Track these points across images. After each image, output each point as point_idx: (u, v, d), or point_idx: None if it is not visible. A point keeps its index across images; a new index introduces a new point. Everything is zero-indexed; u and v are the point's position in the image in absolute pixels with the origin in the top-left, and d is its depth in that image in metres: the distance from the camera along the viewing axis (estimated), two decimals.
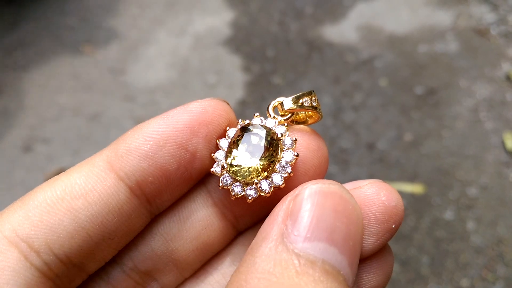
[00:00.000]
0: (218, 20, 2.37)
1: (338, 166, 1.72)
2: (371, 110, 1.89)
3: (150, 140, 0.34)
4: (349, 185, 0.36)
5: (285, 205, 0.31)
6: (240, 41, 2.26)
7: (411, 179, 1.67)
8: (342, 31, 2.25)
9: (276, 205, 0.32)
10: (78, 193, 0.33)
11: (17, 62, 2.21)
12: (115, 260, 0.37)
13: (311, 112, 0.38)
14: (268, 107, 0.38)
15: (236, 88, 2.03)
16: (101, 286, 0.37)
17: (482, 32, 2.15)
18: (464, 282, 1.43)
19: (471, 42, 2.12)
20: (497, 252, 1.48)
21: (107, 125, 1.94)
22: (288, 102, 0.36)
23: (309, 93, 0.36)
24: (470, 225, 1.54)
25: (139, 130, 0.35)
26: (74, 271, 0.34)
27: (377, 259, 0.35)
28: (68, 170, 0.34)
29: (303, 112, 0.39)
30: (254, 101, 1.97)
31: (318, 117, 0.38)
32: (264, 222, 0.32)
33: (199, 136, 0.35)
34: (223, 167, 0.36)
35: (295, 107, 0.36)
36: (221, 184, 0.36)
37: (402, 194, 1.62)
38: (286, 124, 0.37)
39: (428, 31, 2.19)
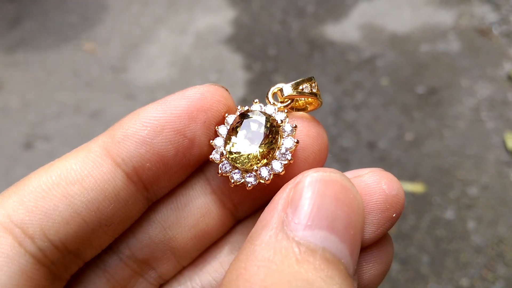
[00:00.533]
0: (220, 19, 2.37)
1: (338, 165, 1.72)
2: (372, 109, 1.89)
3: (148, 125, 0.34)
4: (349, 174, 0.35)
5: (286, 193, 0.30)
6: (242, 39, 2.26)
7: (412, 178, 1.67)
8: (344, 30, 2.25)
9: (277, 193, 0.31)
10: (73, 179, 0.32)
11: (18, 59, 2.22)
12: (112, 248, 0.37)
13: (311, 98, 0.37)
14: (267, 93, 0.37)
15: (238, 87, 2.03)
16: (98, 275, 0.37)
17: (484, 32, 2.14)
18: (464, 281, 1.42)
19: (473, 42, 2.11)
20: (497, 251, 1.47)
21: (108, 123, 1.94)
22: (287, 88, 0.36)
23: (309, 80, 0.36)
24: (471, 224, 1.54)
25: (136, 115, 0.34)
26: (69, 258, 0.33)
27: (377, 249, 0.35)
28: (63, 156, 0.34)
29: (303, 99, 0.38)
30: (255, 99, 1.97)
31: (318, 104, 0.38)
32: (264, 210, 0.31)
33: (198, 122, 0.35)
34: (222, 154, 0.36)
35: (294, 93, 0.36)
36: (220, 171, 0.36)
37: None
38: (286, 111, 0.36)
39: (430, 31, 2.18)
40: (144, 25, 2.36)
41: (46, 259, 0.31)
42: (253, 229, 0.31)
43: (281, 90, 0.36)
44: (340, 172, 0.32)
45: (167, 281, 0.39)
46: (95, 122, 1.95)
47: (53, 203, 0.31)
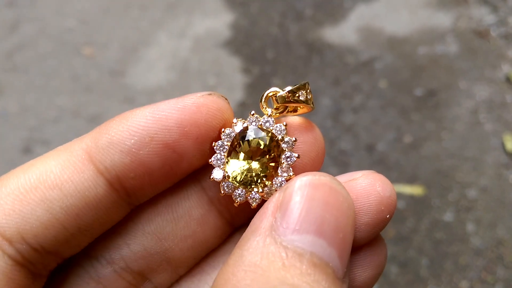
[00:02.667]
0: (218, 22, 2.37)
1: (337, 167, 1.72)
2: (371, 112, 1.89)
3: (135, 135, 0.32)
4: (343, 177, 0.35)
5: (275, 197, 0.31)
6: (240, 43, 2.26)
7: (411, 181, 1.67)
8: (342, 33, 2.25)
9: (268, 199, 0.32)
10: (53, 183, 0.31)
11: (17, 64, 2.22)
12: (107, 260, 0.36)
13: (304, 104, 0.37)
14: (261, 98, 0.36)
15: (236, 90, 2.03)
16: (92, 287, 0.36)
17: (482, 34, 2.14)
18: (464, 284, 1.42)
19: (471, 44, 2.12)
20: (496, 254, 1.47)
21: None
22: (283, 96, 0.35)
23: (303, 86, 0.35)
24: (470, 227, 1.54)
25: (124, 120, 0.33)
26: (49, 258, 0.32)
27: (371, 250, 0.35)
28: (45, 155, 0.32)
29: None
30: (253, 102, 1.97)
31: (310, 109, 0.37)
32: (255, 215, 0.31)
33: (189, 138, 0.33)
34: (224, 175, 0.34)
35: (290, 100, 0.35)
36: (222, 191, 0.35)
37: (401, 196, 1.62)
38: (285, 123, 0.36)
39: (428, 33, 2.19)
40: (142, 29, 2.36)
41: (25, 260, 0.31)
42: (243, 235, 0.31)
43: (275, 97, 0.36)
44: (331, 175, 0.32)
45: None
46: (94, 126, 1.91)
47: (31, 207, 0.30)
